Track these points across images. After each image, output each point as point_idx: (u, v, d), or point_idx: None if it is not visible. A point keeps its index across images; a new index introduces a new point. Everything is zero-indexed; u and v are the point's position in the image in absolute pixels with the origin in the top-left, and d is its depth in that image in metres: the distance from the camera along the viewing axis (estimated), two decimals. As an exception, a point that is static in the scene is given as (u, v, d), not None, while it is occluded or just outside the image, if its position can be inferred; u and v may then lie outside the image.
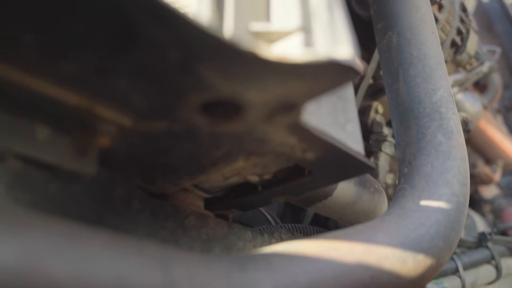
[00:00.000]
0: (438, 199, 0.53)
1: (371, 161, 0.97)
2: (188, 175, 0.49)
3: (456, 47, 1.02)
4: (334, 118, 0.46)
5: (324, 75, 0.33)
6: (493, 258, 1.11)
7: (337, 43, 0.34)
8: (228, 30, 0.38)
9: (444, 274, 1.00)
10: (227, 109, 0.38)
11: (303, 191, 0.55)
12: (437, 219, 0.50)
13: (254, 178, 0.53)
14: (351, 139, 0.47)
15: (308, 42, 0.37)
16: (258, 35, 0.39)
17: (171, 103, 0.37)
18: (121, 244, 0.29)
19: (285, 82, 0.34)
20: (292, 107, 0.37)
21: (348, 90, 0.51)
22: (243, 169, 0.51)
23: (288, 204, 0.98)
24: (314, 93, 0.36)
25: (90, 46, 0.30)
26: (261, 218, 0.83)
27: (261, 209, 0.83)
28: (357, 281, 0.41)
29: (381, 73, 0.92)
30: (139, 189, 0.49)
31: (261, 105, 0.37)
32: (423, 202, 0.52)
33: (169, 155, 0.45)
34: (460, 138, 0.60)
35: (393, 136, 0.97)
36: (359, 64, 0.32)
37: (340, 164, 0.48)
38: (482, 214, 1.57)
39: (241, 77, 0.33)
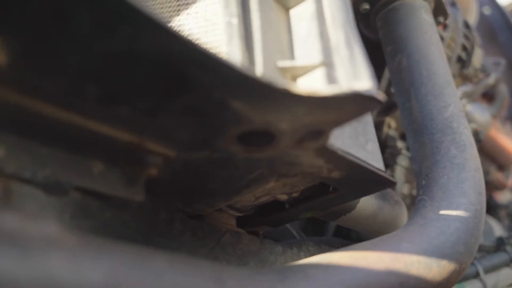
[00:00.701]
0: (456, 208, 0.56)
1: (392, 177, 1.01)
2: (224, 197, 0.53)
3: (462, 62, 1.07)
4: (356, 140, 0.50)
5: (349, 105, 0.38)
6: (511, 261, 1.14)
7: (357, 76, 0.39)
8: (259, 68, 0.42)
9: (466, 278, 1.03)
10: (261, 138, 0.43)
11: (329, 207, 0.59)
12: (456, 226, 0.54)
13: (283, 197, 0.57)
14: (372, 157, 0.51)
15: (331, 76, 0.42)
16: (284, 71, 0.44)
17: (212, 135, 0.41)
18: (181, 263, 0.34)
19: (313, 113, 0.38)
20: (320, 134, 0.42)
21: (359, 117, 0.55)
22: (273, 189, 0.55)
23: (310, 218, 1.02)
24: (339, 121, 0.40)
25: (145, 93, 0.35)
26: (286, 232, 0.87)
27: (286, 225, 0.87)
28: (388, 287, 0.45)
29: (392, 90, 0.97)
30: (179, 212, 0.53)
31: (291, 133, 0.41)
32: (442, 212, 0.56)
33: (207, 180, 0.49)
34: (473, 150, 0.64)
35: (406, 149, 1.01)
36: (380, 94, 0.37)
37: (364, 180, 0.52)
38: (498, 219, 1.59)
39: (273, 110, 0.38)
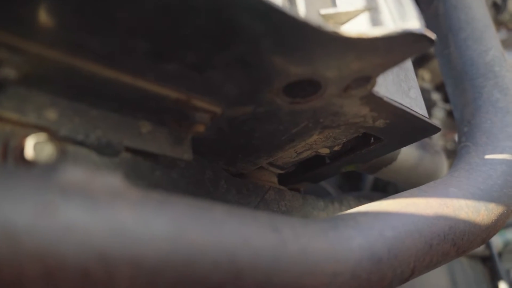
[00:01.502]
0: (502, 152, 0.55)
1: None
2: (267, 154, 0.53)
3: (497, 7, 1.03)
4: (399, 87, 0.50)
5: (398, 47, 0.37)
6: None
7: (404, 17, 0.38)
8: (302, 15, 0.42)
9: (507, 225, 1.02)
10: (307, 88, 0.42)
11: (371, 158, 0.59)
12: (503, 170, 0.53)
13: (324, 151, 0.57)
14: (415, 104, 0.51)
15: (376, 19, 0.41)
16: (327, 18, 0.43)
17: (258, 88, 0.41)
18: (239, 213, 0.34)
19: (360, 57, 0.38)
20: (366, 80, 0.41)
21: (407, 60, 0.54)
22: (315, 143, 0.55)
23: (345, 174, 1.02)
24: (387, 65, 0.40)
25: (194, 46, 0.35)
26: (322, 191, 0.87)
27: (321, 183, 0.87)
28: (438, 231, 0.45)
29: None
30: (224, 170, 0.54)
31: (338, 80, 0.41)
32: (488, 156, 0.55)
33: (251, 137, 0.49)
34: (516, 93, 0.62)
35: (442, 101, 0.99)
36: (430, 32, 0.36)
37: (407, 128, 0.51)
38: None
39: (319, 57, 0.37)
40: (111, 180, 0.29)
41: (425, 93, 0.97)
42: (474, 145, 0.58)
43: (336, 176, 1.01)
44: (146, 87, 0.39)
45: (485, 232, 0.50)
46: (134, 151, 0.43)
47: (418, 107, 0.51)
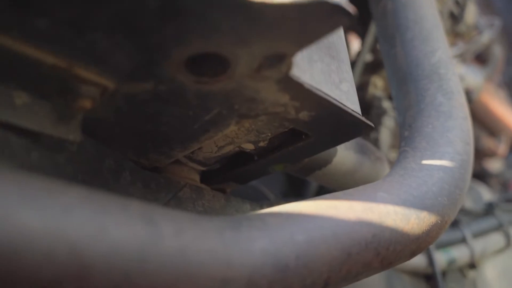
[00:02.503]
0: (441, 158, 0.51)
1: (377, 140, 0.96)
2: (180, 144, 0.47)
3: (454, 18, 1.00)
4: (328, 77, 0.45)
5: (311, 21, 0.32)
6: (501, 225, 1.09)
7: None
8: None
9: (452, 243, 0.98)
10: (214, 65, 0.37)
11: (301, 157, 0.53)
12: (440, 177, 0.49)
13: (249, 146, 0.51)
14: (346, 98, 0.46)
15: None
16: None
17: (154, 59, 0.35)
18: (101, 199, 0.28)
19: (270, 31, 0.32)
20: (280, 59, 0.36)
21: (342, 51, 0.49)
22: (236, 137, 0.49)
23: (290, 181, 0.97)
24: (302, 41, 0.34)
25: (61, -6, 0.29)
26: (262, 197, 0.81)
27: (262, 187, 0.81)
28: (359, 238, 0.40)
29: (378, 47, 0.91)
30: (129, 161, 0.47)
31: (248, 58, 0.35)
32: (425, 162, 0.50)
33: (157, 121, 0.43)
34: (461, 98, 0.58)
35: (394, 110, 0.95)
36: (349, 5, 0.31)
37: (337, 123, 0.46)
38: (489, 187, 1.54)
39: (223, 27, 0.32)
40: None
41: (376, 100, 0.93)
42: (412, 150, 0.53)
43: (280, 183, 0.96)
44: (16, 48, 0.33)
45: (415, 243, 0.45)
46: (5, 126, 0.36)
47: (349, 102, 0.46)
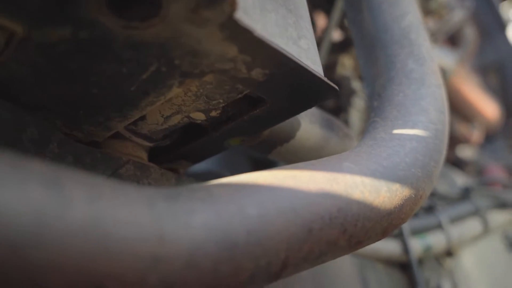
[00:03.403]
0: (413, 127, 0.46)
1: (346, 123, 0.91)
2: (117, 112, 0.41)
3: (425, -4, 0.96)
4: (284, 30, 0.39)
5: None
6: (477, 210, 1.06)
7: None
8: None
9: (427, 229, 0.94)
10: (143, 6, 0.31)
11: (259, 129, 0.47)
12: (413, 147, 0.44)
13: (199, 116, 0.45)
14: (305, 56, 0.40)
15: None
16: None
17: (68, -4, 0.29)
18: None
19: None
20: (221, -4, 0.30)
21: (301, 7, 0.44)
22: (183, 104, 0.43)
23: (256, 166, 0.91)
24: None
25: None
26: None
27: (224, 172, 0.75)
28: (322, 212, 0.34)
29: (346, 24, 0.86)
30: (58, 132, 0.41)
31: (183, -6, 0.29)
32: (397, 131, 0.45)
33: (86, 81, 0.37)
34: (433, 64, 0.53)
35: (363, 91, 0.90)
36: None
37: (296, 85, 0.40)
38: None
39: None
40: None
41: (345, 80, 0.88)
42: (382, 120, 0.48)
43: (245, 168, 0.90)
44: None
45: (387, 219, 0.39)
46: None
47: (309, 61, 0.40)
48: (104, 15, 0.30)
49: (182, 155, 0.51)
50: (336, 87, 0.41)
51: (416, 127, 0.46)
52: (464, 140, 1.44)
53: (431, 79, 0.51)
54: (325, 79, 0.40)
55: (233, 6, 0.31)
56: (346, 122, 0.87)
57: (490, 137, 1.73)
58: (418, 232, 0.90)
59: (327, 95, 0.42)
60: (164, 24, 0.31)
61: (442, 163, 0.47)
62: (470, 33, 1.29)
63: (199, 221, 0.29)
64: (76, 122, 0.42)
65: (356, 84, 0.88)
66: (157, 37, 0.33)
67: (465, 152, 1.53)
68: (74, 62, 0.34)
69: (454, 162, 1.48)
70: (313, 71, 0.39)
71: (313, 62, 0.41)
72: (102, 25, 0.31)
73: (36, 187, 0.22)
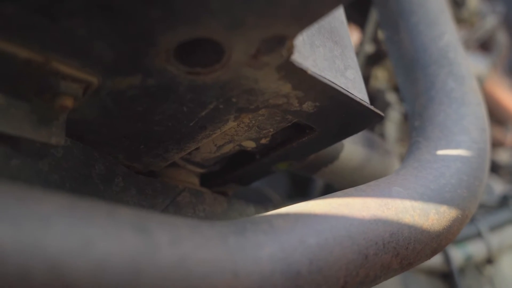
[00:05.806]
0: (457, 147, 0.47)
1: (382, 134, 0.92)
2: (176, 145, 0.44)
3: (456, 4, 0.97)
4: (332, 63, 0.41)
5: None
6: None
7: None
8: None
9: (467, 238, 0.94)
10: (206, 53, 0.33)
11: (306, 154, 0.49)
12: (458, 167, 0.45)
13: (250, 144, 0.48)
14: (352, 86, 0.42)
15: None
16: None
17: (139, 49, 0.31)
18: (84, 207, 0.24)
19: (268, 8, 0.29)
20: (280, 42, 0.32)
21: (345, 37, 0.46)
22: (236, 134, 0.45)
23: (294, 181, 0.93)
24: (303, 20, 0.31)
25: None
26: (266, 199, 0.77)
27: (265, 189, 0.77)
28: (376, 238, 0.36)
29: (379, 37, 0.87)
30: (122, 166, 0.44)
31: (244, 42, 0.32)
32: (440, 152, 0.47)
33: (149, 120, 0.39)
34: (472, 83, 0.54)
35: (400, 103, 0.91)
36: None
37: (343, 114, 0.42)
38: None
39: (214, 5, 0.28)
40: None
41: (379, 93, 0.89)
42: (425, 140, 0.50)
43: (284, 183, 0.92)
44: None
45: (436, 240, 0.41)
46: (-21, 132, 0.33)
47: (356, 90, 0.42)
48: (171, 63, 0.33)
49: (232, 179, 0.53)
50: (382, 114, 0.43)
51: (459, 147, 0.47)
52: (499, 144, 1.43)
53: (471, 98, 0.52)
54: (372, 107, 0.42)
55: (290, 50, 0.33)
56: (382, 134, 0.88)
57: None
58: (458, 241, 0.91)
59: (374, 122, 0.44)
60: (226, 68, 0.34)
61: (486, 180, 0.48)
62: (502, 38, 1.28)
63: (265, 254, 0.31)
64: (137, 156, 0.45)
65: (390, 96, 0.90)
66: (218, 80, 0.35)
67: (500, 155, 1.52)
68: (141, 105, 0.37)
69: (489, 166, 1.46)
70: (360, 101, 0.41)
71: (359, 91, 0.43)
72: (169, 72, 0.34)
73: (130, 234, 0.25)
